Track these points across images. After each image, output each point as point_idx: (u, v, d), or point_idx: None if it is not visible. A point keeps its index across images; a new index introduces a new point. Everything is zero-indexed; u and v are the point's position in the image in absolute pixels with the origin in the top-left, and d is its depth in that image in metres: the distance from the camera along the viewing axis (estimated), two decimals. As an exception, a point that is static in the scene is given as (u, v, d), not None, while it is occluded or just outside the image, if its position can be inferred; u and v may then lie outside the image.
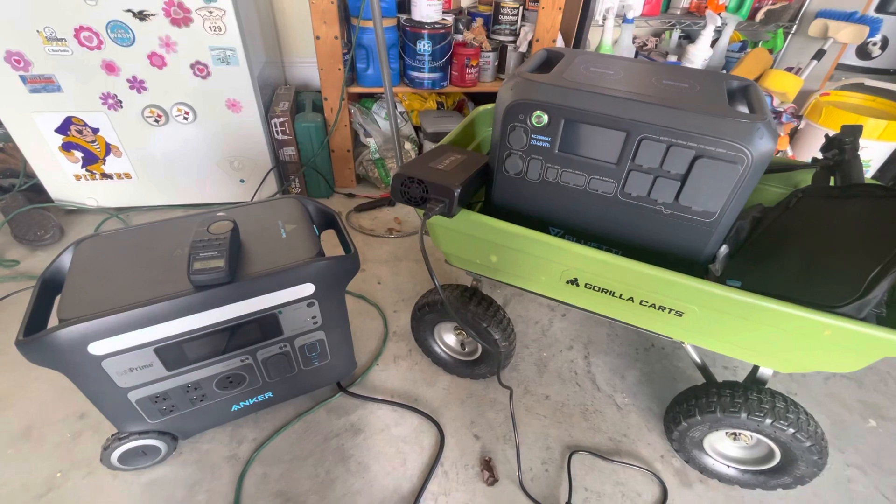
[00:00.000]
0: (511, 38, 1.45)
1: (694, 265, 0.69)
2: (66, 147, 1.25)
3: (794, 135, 1.60)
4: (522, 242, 0.68)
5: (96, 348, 0.60)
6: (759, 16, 1.62)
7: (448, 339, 0.98)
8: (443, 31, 1.32)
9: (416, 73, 1.40)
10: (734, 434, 0.78)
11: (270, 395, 0.83)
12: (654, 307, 0.67)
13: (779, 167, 0.85)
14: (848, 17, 1.46)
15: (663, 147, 0.60)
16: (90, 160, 1.29)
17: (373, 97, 1.61)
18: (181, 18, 1.09)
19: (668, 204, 0.64)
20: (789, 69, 1.55)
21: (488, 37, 1.44)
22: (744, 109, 0.68)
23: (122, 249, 0.69)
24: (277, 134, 1.35)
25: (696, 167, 0.59)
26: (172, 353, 0.67)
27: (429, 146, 1.52)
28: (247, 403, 0.82)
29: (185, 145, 1.30)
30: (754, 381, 0.76)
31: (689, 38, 1.69)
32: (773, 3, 1.61)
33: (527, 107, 0.65)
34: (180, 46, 1.13)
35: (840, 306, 0.56)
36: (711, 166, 0.59)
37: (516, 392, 0.96)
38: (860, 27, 1.42)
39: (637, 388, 0.98)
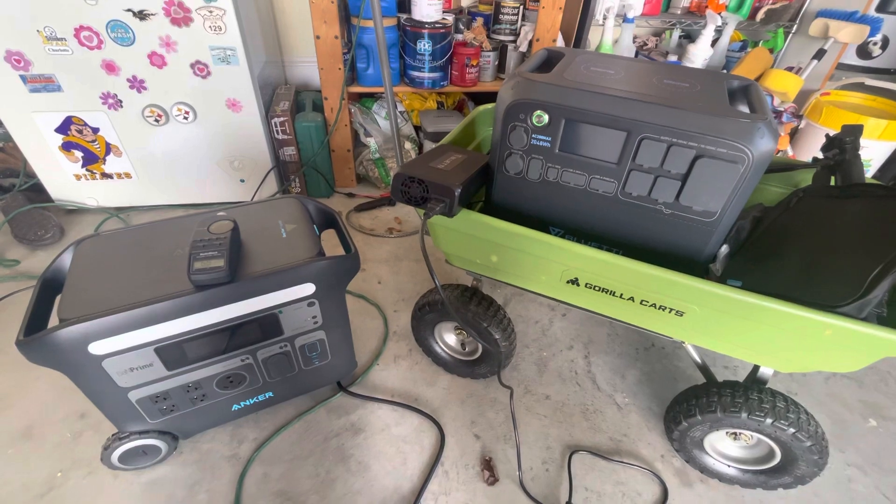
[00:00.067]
0: (511, 38, 1.45)
1: (694, 265, 0.69)
2: (67, 147, 1.25)
3: (794, 134, 1.60)
4: (523, 242, 0.68)
5: (97, 348, 0.60)
6: (760, 15, 1.62)
7: (448, 338, 0.98)
8: (443, 30, 1.32)
9: (416, 73, 1.39)
10: (735, 434, 0.78)
11: (271, 394, 0.83)
12: (655, 307, 0.67)
13: (779, 167, 0.85)
14: (848, 17, 1.46)
15: (664, 147, 0.60)
16: (90, 160, 1.29)
17: (373, 97, 1.61)
18: (181, 18, 1.09)
19: (669, 204, 0.64)
20: (790, 69, 1.55)
21: (488, 36, 1.44)
22: (744, 109, 0.68)
23: (123, 249, 0.69)
24: (278, 133, 1.35)
25: (696, 167, 0.59)
26: (173, 353, 0.66)
27: (429, 146, 1.52)
28: (247, 403, 0.82)
29: (185, 145, 1.30)
30: (755, 380, 0.76)
31: (690, 37, 1.69)
32: (773, 3, 1.61)
33: (527, 106, 0.64)
34: (180, 46, 1.13)
35: (841, 306, 0.56)
36: (712, 166, 0.59)
37: (517, 392, 0.96)
38: (861, 27, 1.42)
39: (637, 388, 0.98)
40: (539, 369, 1.01)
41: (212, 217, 0.68)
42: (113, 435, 0.74)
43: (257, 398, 0.82)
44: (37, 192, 1.35)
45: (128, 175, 1.34)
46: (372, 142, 1.52)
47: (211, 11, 1.09)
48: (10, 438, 0.83)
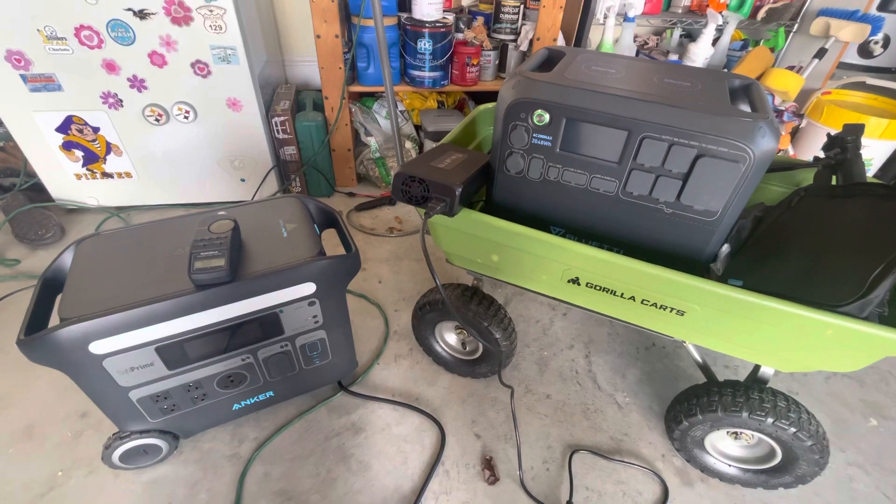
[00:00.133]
0: (512, 37, 1.45)
1: (696, 264, 0.69)
2: (67, 146, 1.25)
3: (795, 134, 1.60)
4: (523, 241, 0.68)
5: (97, 347, 0.60)
6: (761, 14, 1.62)
7: (449, 338, 0.98)
8: (443, 29, 1.32)
9: (416, 72, 1.39)
10: (735, 433, 0.78)
11: (271, 394, 0.83)
12: (656, 306, 0.67)
13: (780, 166, 0.85)
14: (849, 16, 1.46)
15: (665, 146, 0.60)
16: (91, 159, 1.29)
17: (373, 96, 1.61)
18: (182, 17, 1.09)
19: (670, 203, 0.64)
20: (791, 68, 1.55)
21: (489, 35, 1.44)
22: (746, 108, 0.68)
23: (123, 249, 0.69)
24: (278, 133, 1.35)
25: (697, 166, 0.59)
26: (173, 353, 0.67)
27: (429, 145, 1.52)
28: (248, 402, 0.82)
29: (185, 144, 1.30)
30: (756, 380, 0.76)
31: (691, 36, 1.69)
32: (774, 2, 1.61)
33: (528, 105, 0.64)
34: (181, 45, 1.13)
35: (842, 305, 0.56)
36: (713, 165, 0.59)
37: (517, 391, 0.96)
38: (862, 26, 1.42)
39: (638, 387, 0.98)
40: (540, 369, 1.01)
41: (212, 216, 0.68)
42: (114, 434, 0.74)
43: (258, 397, 0.82)
44: (37, 191, 1.35)
45: (128, 174, 1.34)
46: (372, 141, 1.52)
47: (211, 11, 1.09)
48: (11, 438, 0.83)
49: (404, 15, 1.34)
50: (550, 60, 0.77)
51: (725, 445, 0.81)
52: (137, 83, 1.17)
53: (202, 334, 0.67)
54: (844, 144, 0.75)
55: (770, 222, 0.76)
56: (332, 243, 1.30)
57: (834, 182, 0.76)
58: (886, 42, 1.61)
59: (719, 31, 1.56)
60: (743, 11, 1.61)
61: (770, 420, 0.68)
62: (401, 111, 1.60)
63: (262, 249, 0.69)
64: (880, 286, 0.54)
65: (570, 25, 1.52)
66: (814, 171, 0.80)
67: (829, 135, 0.78)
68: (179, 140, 1.29)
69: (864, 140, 1.36)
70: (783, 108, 1.50)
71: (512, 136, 0.68)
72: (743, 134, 0.56)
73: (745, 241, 0.76)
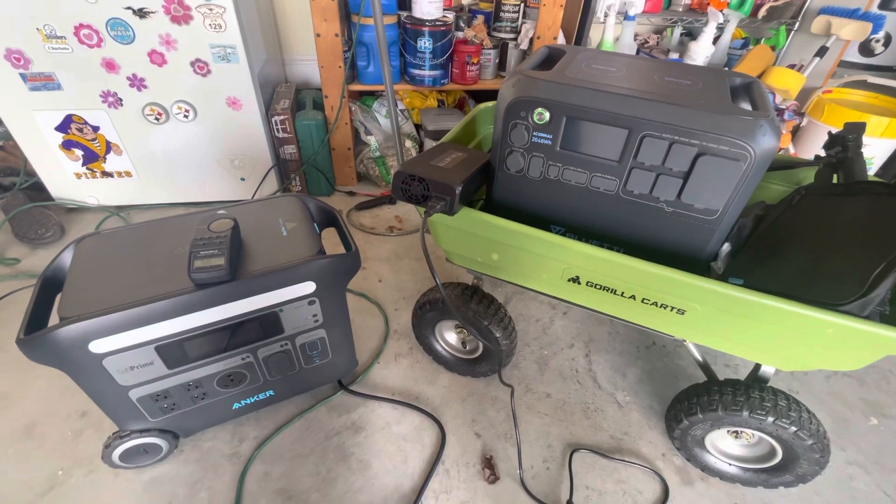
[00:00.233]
0: (512, 36, 1.45)
1: (696, 263, 0.69)
2: (67, 145, 1.25)
3: (796, 132, 1.60)
4: (524, 240, 0.68)
5: (97, 346, 0.60)
6: (762, 12, 1.62)
7: (449, 337, 0.98)
8: (443, 28, 1.31)
9: (416, 71, 1.39)
10: (736, 432, 0.78)
11: (271, 393, 0.83)
12: (656, 305, 0.66)
13: (781, 165, 0.84)
14: (851, 14, 1.46)
15: (666, 144, 0.60)
16: (90, 158, 1.29)
17: (373, 95, 1.61)
18: (181, 16, 1.08)
19: (671, 202, 0.64)
20: (792, 66, 1.54)
21: (489, 34, 1.44)
22: (747, 107, 0.68)
23: (123, 248, 0.69)
24: (278, 132, 1.35)
25: (698, 165, 0.59)
26: (173, 352, 0.66)
27: (430, 144, 1.52)
28: (248, 402, 0.82)
29: (185, 143, 1.30)
30: (756, 379, 0.76)
31: (691, 35, 1.68)
32: (775, 0, 1.61)
33: (528, 104, 0.64)
34: (180, 44, 1.12)
35: (843, 304, 0.56)
36: (714, 164, 0.58)
37: (517, 390, 0.96)
38: (863, 24, 1.42)
39: (638, 387, 0.98)
40: (540, 368, 1.01)
41: (212, 215, 0.68)
42: (114, 433, 0.74)
43: (258, 397, 0.82)
44: (37, 190, 1.35)
45: (128, 173, 1.34)
46: (372, 140, 1.52)
47: (211, 9, 1.09)
48: (12, 437, 0.83)
49: (404, 13, 1.34)
50: (551, 59, 0.77)
51: (726, 444, 0.81)
52: (137, 82, 1.17)
53: (202, 333, 0.67)
54: (845, 143, 0.75)
55: (771, 221, 0.76)
56: (332, 242, 1.30)
57: (835, 181, 0.76)
58: (888, 40, 1.61)
59: (720, 29, 1.55)
60: (744, 10, 1.60)
61: (771, 419, 0.68)
62: (401, 110, 1.59)
63: (262, 248, 0.69)
64: (881, 285, 0.54)
65: (570, 24, 1.51)
66: (815, 170, 0.80)
67: (830, 133, 0.78)
68: (179, 139, 1.29)
69: (865, 139, 1.36)
70: (784, 107, 1.49)
71: (512, 134, 0.68)
72: (744, 132, 0.56)
73: (745, 239, 0.76)
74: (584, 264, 0.66)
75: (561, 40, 1.45)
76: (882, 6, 1.56)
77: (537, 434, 0.88)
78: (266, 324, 0.71)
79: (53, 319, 0.58)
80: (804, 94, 1.58)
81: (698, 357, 0.81)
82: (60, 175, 1.31)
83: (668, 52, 1.67)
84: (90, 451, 0.81)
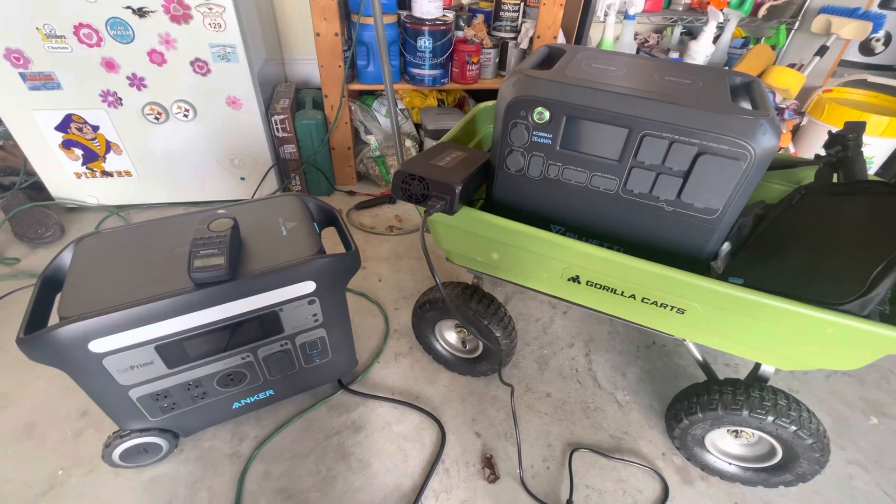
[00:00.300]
0: (512, 35, 1.44)
1: (696, 262, 0.69)
2: (67, 145, 1.25)
3: (796, 131, 1.60)
4: (524, 240, 0.68)
5: (97, 346, 0.60)
6: (762, 12, 1.62)
7: (449, 336, 0.98)
8: (443, 27, 1.31)
9: (416, 70, 1.39)
10: (736, 431, 0.78)
11: (271, 392, 0.83)
12: (656, 304, 0.66)
13: (781, 164, 0.84)
14: (851, 13, 1.46)
15: (666, 144, 0.60)
16: (90, 158, 1.29)
17: (373, 94, 1.61)
18: (181, 15, 1.08)
19: (671, 201, 0.64)
20: (792, 65, 1.54)
21: (489, 33, 1.44)
22: (747, 106, 0.68)
23: (123, 247, 0.69)
24: (278, 131, 1.35)
25: (698, 164, 0.59)
26: (173, 351, 0.66)
27: (429, 143, 1.52)
28: (248, 401, 0.82)
29: (185, 143, 1.30)
30: (756, 378, 0.76)
31: (691, 34, 1.68)
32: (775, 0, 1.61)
33: (528, 103, 0.64)
34: (180, 43, 1.12)
35: (843, 303, 0.56)
36: (714, 163, 0.58)
37: (517, 389, 0.96)
38: (863, 23, 1.42)
39: (638, 386, 0.98)
40: (540, 367, 1.01)
41: (212, 215, 0.68)
42: (114, 433, 0.74)
43: (258, 396, 0.82)
44: (37, 190, 1.35)
45: (128, 173, 1.34)
46: (372, 139, 1.51)
47: (210, 9, 1.08)
48: (12, 437, 0.83)
49: (404, 13, 1.34)
50: (551, 58, 0.77)
51: (726, 444, 0.81)
52: (137, 81, 1.17)
53: (202, 333, 0.67)
54: (845, 142, 0.75)
55: (771, 220, 0.76)
56: (331, 242, 1.30)
57: (835, 180, 0.76)
58: (888, 39, 1.61)
59: (720, 28, 1.55)
60: (744, 9, 1.60)
61: (770, 418, 0.68)
62: (401, 109, 1.59)
63: (262, 248, 0.69)
64: (881, 284, 0.54)
65: (570, 23, 1.51)
66: (815, 169, 0.80)
67: (830, 132, 0.78)
68: (179, 138, 1.29)
69: (865, 138, 1.36)
70: (784, 106, 1.49)
71: (512, 133, 0.67)
72: (744, 131, 0.56)
73: (745, 239, 0.76)
74: (584, 264, 0.66)
75: (561, 39, 1.45)
76: (882, 5, 1.56)
77: (537, 433, 0.88)
78: (266, 323, 0.71)
79: (53, 319, 0.59)
80: (804, 94, 1.58)
81: (698, 356, 0.81)
82: (60, 174, 1.31)
83: (668, 51, 1.67)
84: (90, 451, 0.81)
